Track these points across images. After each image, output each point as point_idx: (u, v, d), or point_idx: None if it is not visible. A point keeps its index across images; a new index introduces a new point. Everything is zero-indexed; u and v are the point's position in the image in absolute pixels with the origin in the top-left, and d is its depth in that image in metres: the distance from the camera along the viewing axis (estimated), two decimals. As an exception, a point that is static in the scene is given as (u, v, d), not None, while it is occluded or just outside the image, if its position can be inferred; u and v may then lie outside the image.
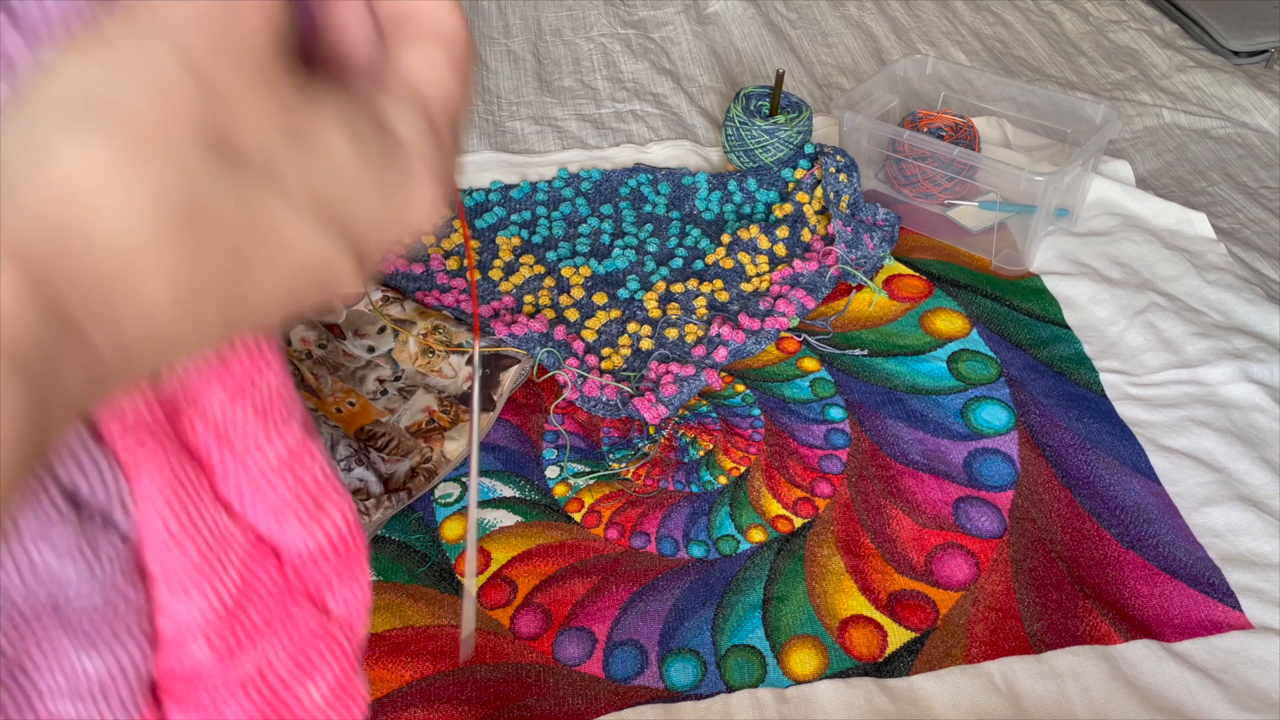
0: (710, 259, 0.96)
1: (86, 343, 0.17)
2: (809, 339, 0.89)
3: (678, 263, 0.96)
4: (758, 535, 0.74)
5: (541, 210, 1.02)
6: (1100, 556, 0.72)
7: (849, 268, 0.93)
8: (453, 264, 0.95)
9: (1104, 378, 0.85)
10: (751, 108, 1.05)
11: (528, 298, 0.91)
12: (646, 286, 0.93)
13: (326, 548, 0.30)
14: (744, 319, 0.88)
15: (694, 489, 0.77)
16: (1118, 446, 0.79)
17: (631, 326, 0.89)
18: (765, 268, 0.95)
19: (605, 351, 0.87)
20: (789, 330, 0.90)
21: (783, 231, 0.97)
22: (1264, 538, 0.72)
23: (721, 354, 0.86)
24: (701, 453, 0.79)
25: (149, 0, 0.18)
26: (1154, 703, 0.63)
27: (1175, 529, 0.73)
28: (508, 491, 0.77)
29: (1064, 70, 1.30)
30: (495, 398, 0.82)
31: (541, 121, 1.19)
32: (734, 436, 0.81)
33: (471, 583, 0.71)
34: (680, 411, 0.83)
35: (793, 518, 0.75)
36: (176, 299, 0.18)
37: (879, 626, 0.68)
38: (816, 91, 1.25)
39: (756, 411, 0.83)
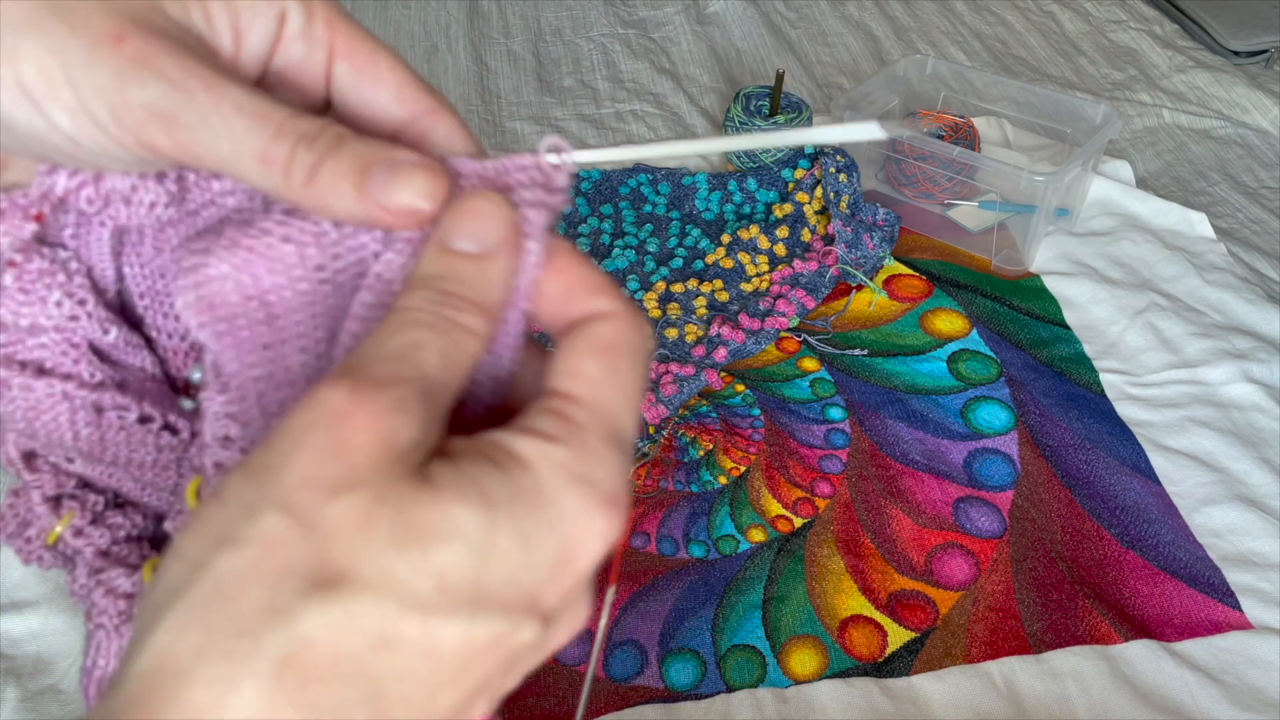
0: (710, 259, 0.96)
1: None
2: (809, 339, 0.89)
3: (677, 263, 0.96)
4: (758, 535, 0.74)
5: (541, 210, 1.02)
6: (1100, 556, 0.72)
7: (849, 268, 0.93)
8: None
9: (1104, 378, 0.85)
10: (751, 108, 1.05)
11: (528, 298, 0.91)
12: (646, 286, 0.93)
13: None
14: (744, 319, 0.88)
15: (694, 489, 0.77)
16: (1118, 446, 0.79)
17: (631, 326, 0.89)
18: (765, 268, 0.95)
19: (605, 351, 0.87)
20: (789, 330, 0.90)
21: (783, 231, 0.97)
22: (1264, 538, 0.72)
23: (721, 354, 0.86)
24: (701, 453, 0.79)
25: (259, 460, 0.19)
26: (1154, 703, 0.63)
27: (1175, 529, 0.73)
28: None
29: (1064, 70, 1.30)
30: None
31: (541, 121, 1.19)
32: (734, 436, 0.81)
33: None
34: (680, 411, 0.83)
35: (793, 518, 0.75)
36: None
37: (879, 626, 0.68)
38: (816, 91, 1.25)
39: (756, 411, 0.83)
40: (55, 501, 0.27)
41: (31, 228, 0.25)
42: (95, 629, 0.27)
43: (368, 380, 0.19)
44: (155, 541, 0.29)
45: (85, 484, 0.28)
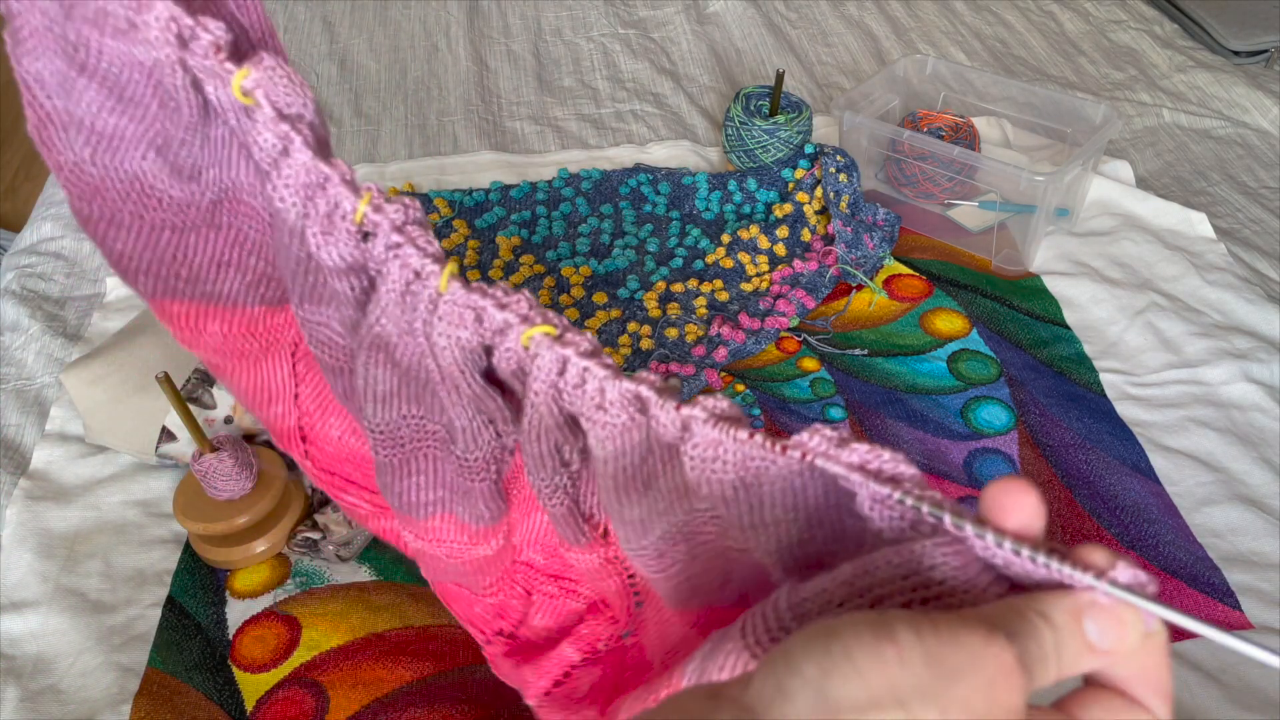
0: (710, 259, 0.96)
1: None
2: (809, 339, 0.89)
3: (678, 262, 0.96)
4: (758, 535, 0.73)
5: (541, 210, 1.02)
6: (1100, 556, 0.72)
7: (849, 268, 0.93)
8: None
9: (1104, 378, 0.85)
10: (751, 108, 1.05)
11: (528, 298, 0.91)
12: (646, 286, 0.93)
13: None
14: (744, 319, 0.88)
15: (694, 489, 0.77)
16: (1118, 446, 0.79)
17: (631, 326, 0.89)
18: (765, 268, 0.95)
19: (605, 351, 0.87)
20: (789, 330, 0.90)
21: (783, 231, 0.97)
22: (1264, 538, 0.72)
23: (721, 354, 0.86)
24: (701, 453, 0.79)
25: (921, 670, 0.22)
26: (1154, 703, 0.63)
27: (1175, 529, 0.73)
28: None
29: (1064, 70, 1.30)
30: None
31: (541, 121, 1.19)
32: (734, 436, 0.81)
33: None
34: (680, 411, 0.83)
35: (793, 518, 0.75)
36: None
37: (879, 626, 0.68)
38: (816, 91, 1.25)
39: (756, 411, 0.83)
40: (352, 185, 0.32)
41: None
42: (384, 295, 0.33)
43: (1024, 657, 0.24)
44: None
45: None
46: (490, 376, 0.35)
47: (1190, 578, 0.70)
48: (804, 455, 0.28)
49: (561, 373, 0.32)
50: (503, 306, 0.32)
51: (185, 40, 0.31)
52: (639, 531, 0.34)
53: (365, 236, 0.33)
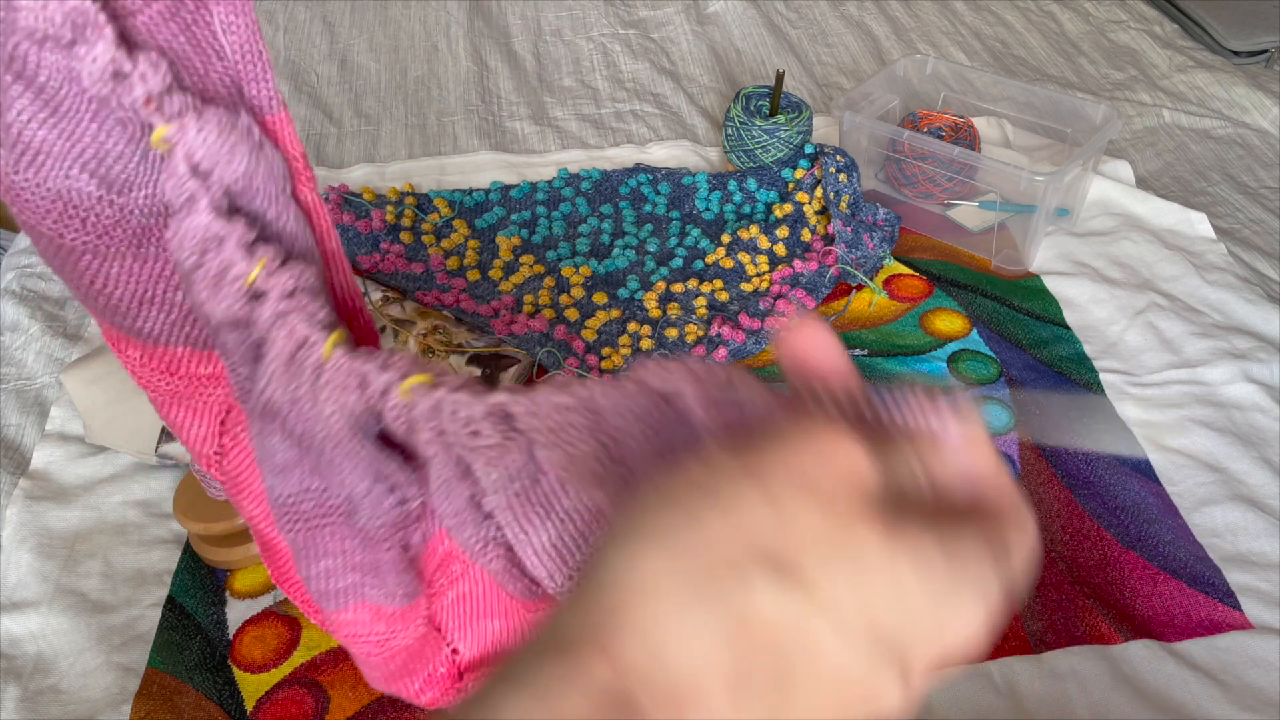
0: (710, 259, 0.96)
1: None
2: (809, 339, 0.89)
3: (678, 263, 0.96)
4: (758, 535, 0.73)
5: (541, 210, 1.02)
6: (1100, 556, 0.72)
7: (849, 268, 0.93)
8: (453, 264, 0.95)
9: (1104, 378, 0.85)
10: (751, 108, 1.05)
11: (528, 297, 0.91)
12: (646, 286, 0.93)
13: None
14: (744, 319, 0.88)
15: (694, 489, 0.77)
16: (1118, 446, 0.79)
17: (631, 326, 0.89)
18: (765, 268, 0.95)
19: (605, 351, 0.87)
20: (789, 330, 0.90)
21: (783, 231, 0.97)
22: (1264, 538, 0.72)
23: (721, 354, 0.86)
24: (701, 453, 0.79)
25: (754, 451, 0.22)
26: (1154, 703, 0.63)
27: (1175, 529, 0.73)
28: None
29: (1064, 70, 1.30)
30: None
31: (541, 121, 1.19)
32: (734, 436, 0.81)
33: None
34: (680, 411, 0.83)
35: (793, 518, 0.75)
36: (731, 704, 0.20)
37: (879, 626, 0.68)
38: (816, 91, 1.25)
39: (756, 411, 0.83)
40: (249, 248, 0.32)
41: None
42: (269, 362, 0.33)
43: (853, 434, 0.23)
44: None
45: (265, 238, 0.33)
46: (392, 443, 0.34)
47: (1190, 578, 0.70)
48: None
49: (438, 415, 0.31)
50: (385, 368, 0.32)
51: (122, 76, 0.30)
52: (557, 563, 0.33)
53: (258, 296, 0.33)
